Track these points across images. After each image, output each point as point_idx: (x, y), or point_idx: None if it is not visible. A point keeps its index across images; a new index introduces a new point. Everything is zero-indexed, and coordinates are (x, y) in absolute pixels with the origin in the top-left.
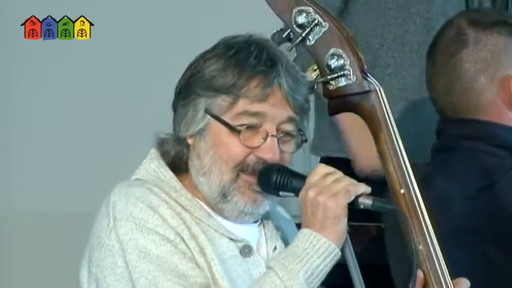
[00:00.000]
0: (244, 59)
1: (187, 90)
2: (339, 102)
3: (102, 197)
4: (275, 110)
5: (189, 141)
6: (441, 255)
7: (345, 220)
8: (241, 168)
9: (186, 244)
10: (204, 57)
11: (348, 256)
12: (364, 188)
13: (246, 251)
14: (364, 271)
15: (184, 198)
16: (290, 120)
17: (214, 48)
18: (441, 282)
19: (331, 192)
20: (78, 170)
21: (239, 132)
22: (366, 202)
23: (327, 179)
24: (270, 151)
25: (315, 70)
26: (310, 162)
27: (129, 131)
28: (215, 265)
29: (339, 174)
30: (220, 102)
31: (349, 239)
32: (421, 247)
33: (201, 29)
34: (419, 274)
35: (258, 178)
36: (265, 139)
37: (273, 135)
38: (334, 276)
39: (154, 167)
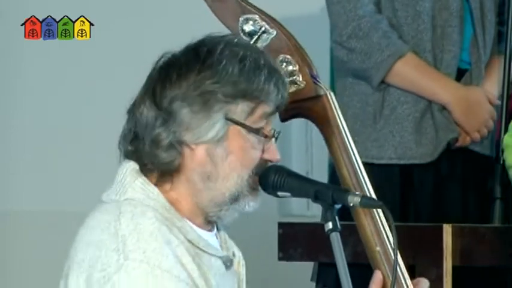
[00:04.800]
0: (258, 72)
1: (198, 100)
2: (290, 108)
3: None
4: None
5: (193, 146)
6: (399, 255)
7: None
8: (256, 171)
9: (196, 285)
10: (195, 69)
11: (337, 255)
12: None
13: (228, 264)
14: (365, 271)
15: (176, 219)
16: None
17: (219, 61)
18: (400, 282)
19: None
20: (78, 170)
21: (266, 136)
22: (354, 200)
23: None
24: (276, 153)
25: None
26: (311, 162)
27: None
28: None
29: None
30: (241, 108)
31: (339, 238)
32: (378, 248)
33: (201, 29)
34: (378, 275)
35: (259, 179)
36: (270, 142)
37: (274, 137)
38: (334, 276)
39: (140, 184)
